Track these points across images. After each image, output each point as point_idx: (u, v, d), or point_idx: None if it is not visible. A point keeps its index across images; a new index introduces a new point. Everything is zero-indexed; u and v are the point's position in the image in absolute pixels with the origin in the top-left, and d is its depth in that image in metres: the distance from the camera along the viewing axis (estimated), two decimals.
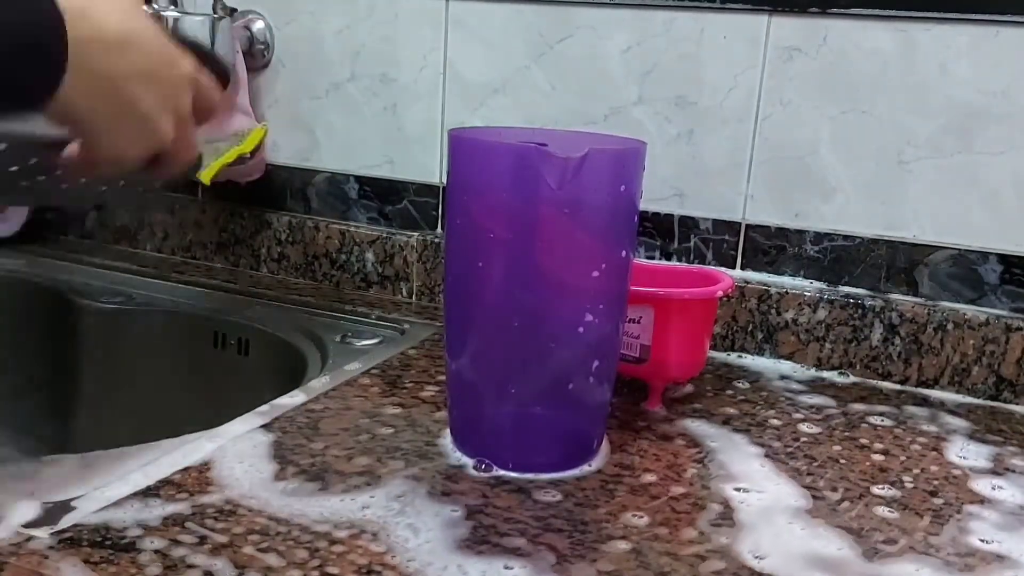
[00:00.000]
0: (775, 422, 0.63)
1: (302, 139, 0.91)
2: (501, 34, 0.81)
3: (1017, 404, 0.69)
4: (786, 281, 0.76)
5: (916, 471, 0.57)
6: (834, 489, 0.53)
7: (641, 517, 0.49)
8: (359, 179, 0.90)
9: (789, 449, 0.59)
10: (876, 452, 0.59)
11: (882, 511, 0.51)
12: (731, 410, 0.64)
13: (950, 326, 0.70)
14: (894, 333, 0.72)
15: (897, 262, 0.73)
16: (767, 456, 0.57)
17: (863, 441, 0.61)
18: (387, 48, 0.86)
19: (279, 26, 0.90)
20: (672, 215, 0.78)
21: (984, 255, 0.70)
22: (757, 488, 0.53)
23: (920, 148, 0.71)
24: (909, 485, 0.55)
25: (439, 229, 0.88)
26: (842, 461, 0.57)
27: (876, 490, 0.53)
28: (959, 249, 0.71)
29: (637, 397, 0.64)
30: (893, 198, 0.72)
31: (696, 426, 0.61)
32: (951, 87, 0.69)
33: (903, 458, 0.58)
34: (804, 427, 0.62)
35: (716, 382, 0.70)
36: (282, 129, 0.92)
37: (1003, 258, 0.70)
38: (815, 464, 0.57)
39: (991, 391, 0.70)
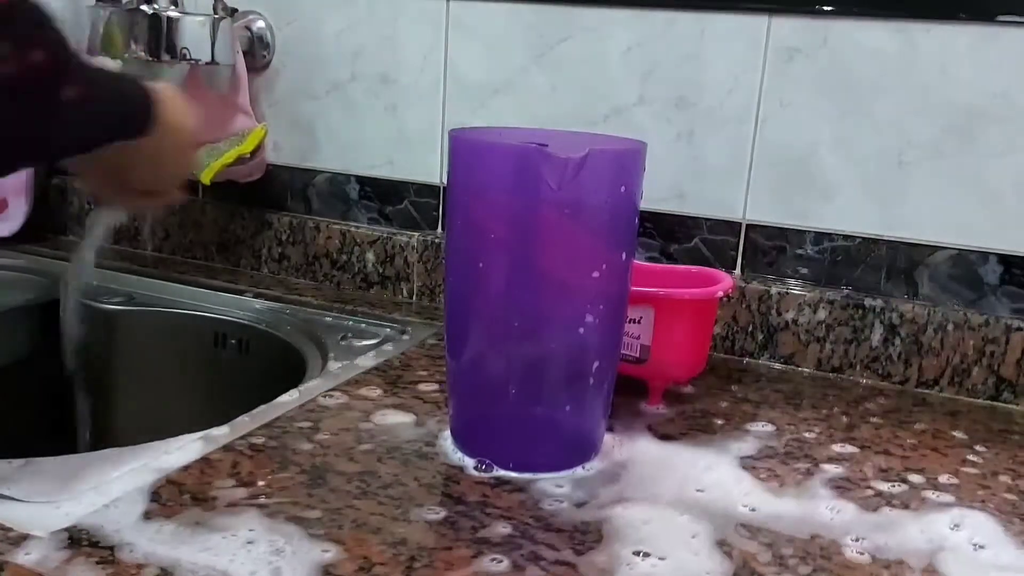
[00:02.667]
0: (748, 444, 0.63)
1: (302, 139, 0.91)
2: (501, 34, 0.81)
3: (1017, 405, 0.69)
4: (786, 282, 0.76)
5: (895, 513, 0.53)
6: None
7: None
8: (360, 179, 0.90)
9: (764, 469, 0.59)
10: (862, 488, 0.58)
11: (851, 554, 0.46)
12: (719, 421, 0.64)
13: (950, 327, 0.70)
14: (894, 334, 0.72)
15: (897, 263, 0.73)
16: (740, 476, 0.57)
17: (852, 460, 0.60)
18: (387, 48, 0.86)
19: (279, 26, 0.90)
20: (672, 215, 0.78)
21: (984, 256, 0.70)
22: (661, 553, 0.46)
23: (920, 149, 0.71)
24: (882, 543, 0.47)
25: (439, 229, 0.88)
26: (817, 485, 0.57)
27: (849, 546, 0.47)
28: (959, 249, 0.71)
29: (637, 397, 0.64)
30: (893, 199, 0.72)
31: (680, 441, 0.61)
32: (951, 88, 0.69)
33: (885, 492, 0.55)
34: (780, 446, 0.62)
35: (716, 383, 0.70)
36: (282, 129, 0.92)
37: (1003, 259, 0.70)
38: (785, 495, 0.57)
39: (991, 392, 0.70)
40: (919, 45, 0.69)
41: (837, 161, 0.73)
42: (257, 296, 0.85)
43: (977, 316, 0.70)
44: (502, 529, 0.47)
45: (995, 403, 0.70)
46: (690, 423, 0.62)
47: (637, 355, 0.62)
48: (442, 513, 0.48)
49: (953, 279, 0.71)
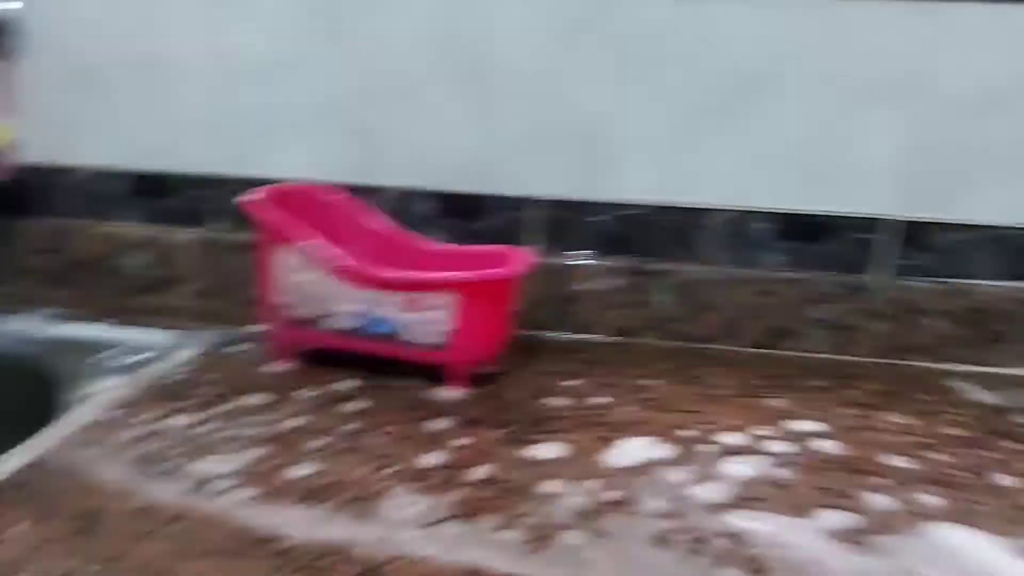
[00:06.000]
0: (552, 418, 0.64)
1: (57, 134, 0.81)
2: (284, 9, 0.75)
3: (791, 351, 0.75)
4: (581, 253, 0.77)
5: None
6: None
7: None
8: (129, 174, 0.81)
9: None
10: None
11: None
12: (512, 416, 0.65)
13: (728, 284, 0.75)
14: (678, 295, 0.75)
15: (683, 227, 0.76)
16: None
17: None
18: (153, 30, 0.77)
19: (29, 9, 0.78)
20: (472, 194, 0.77)
21: (761, 215, 0.75)
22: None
23: (703, 117, 0.73)
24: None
25: (229, 224, 0.81)
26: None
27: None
28: (738, 211, 0.75)
29: (440, 382, 0.63)
30: (678, 166, 0.75)
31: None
32: (732, 57, 0.72)
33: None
34: (580, 414, 0.64)
35: (518, 360, 0.70)
36: (34, 124, 0.81)
37: (777, 216, 0.74)
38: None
39: (766, 341, 0.75)
40: (701, 13, 0.71)
41: (625, 131, 0.75)
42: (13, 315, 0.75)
43: (752, 272, 0.75)
44: None
45: (771, 351, 0.75)
46: (496, 403, 0.62)
47: (439, 341, 0.61)
48: None
49: (731, 237, 0.76)
